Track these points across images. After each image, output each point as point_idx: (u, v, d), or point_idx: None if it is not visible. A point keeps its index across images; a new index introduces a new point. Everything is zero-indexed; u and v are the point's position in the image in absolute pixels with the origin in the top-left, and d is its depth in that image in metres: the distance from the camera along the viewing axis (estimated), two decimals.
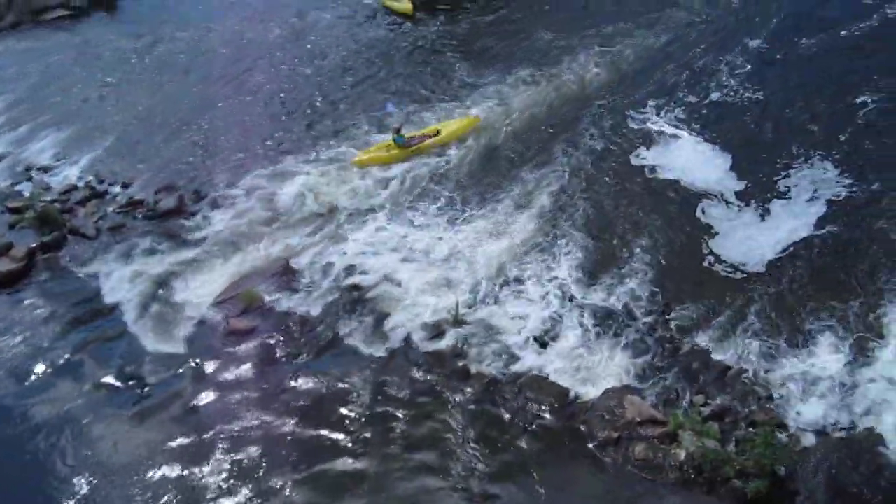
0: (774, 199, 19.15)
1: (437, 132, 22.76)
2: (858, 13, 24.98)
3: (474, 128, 23.01)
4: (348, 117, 24.69)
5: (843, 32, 24.39)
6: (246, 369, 16.80)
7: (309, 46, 29.12)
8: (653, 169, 20.67)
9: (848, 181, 19.13)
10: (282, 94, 26.41)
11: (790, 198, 19.09)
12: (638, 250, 18.33)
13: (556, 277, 17.92)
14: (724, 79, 23.32)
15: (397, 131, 22.24)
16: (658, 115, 22.45)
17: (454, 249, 19.19)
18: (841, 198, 18.76)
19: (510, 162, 21.94)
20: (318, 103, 25.76)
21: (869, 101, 21.35)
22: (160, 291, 18.99)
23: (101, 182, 23.44)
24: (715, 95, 22.71)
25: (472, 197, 20.88)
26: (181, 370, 16.87)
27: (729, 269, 17.60)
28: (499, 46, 27.03)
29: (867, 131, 20.50)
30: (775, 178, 19.69)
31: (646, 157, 21.09)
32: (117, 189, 23.07)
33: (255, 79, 27.55)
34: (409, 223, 20.31)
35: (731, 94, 22.71)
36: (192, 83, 28.23)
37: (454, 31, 28.52)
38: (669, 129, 21.81)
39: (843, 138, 20.40)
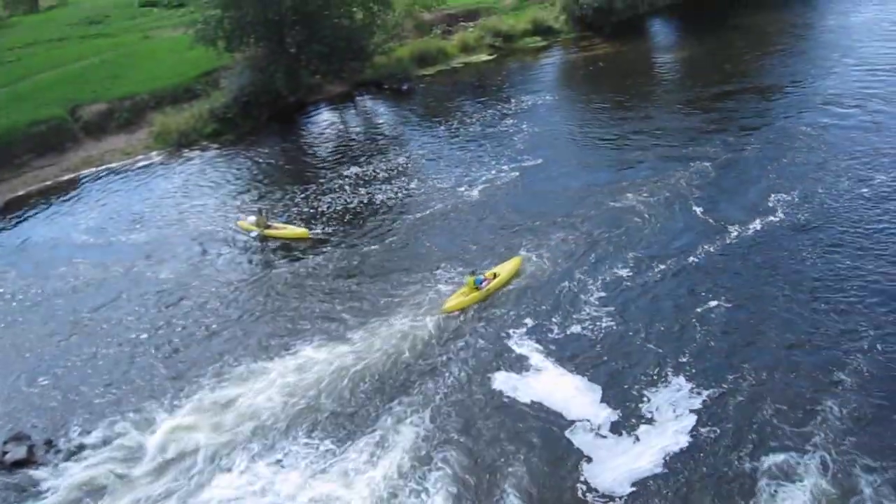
0: (640, 424, 20.09)
1: (495, 275, 26.38)
2: (706, 239, 28.18)
3: (520, 268, 27.07)
4: (211, 358, 24.51)
5: (690, 258, 27.20)
6: None
7: (182, 290, 28.96)
8: (523, 401, 21.34)
9: (699, 393, 20.89)
10: (148, 336, 26.12)
11: (654, 420, 20.14)
12: (509, 488, 18.53)
13: None
14: (585, 309, 24.96)
15: (473, 273, 25.84)
16: (526, 346, 23.54)
17: (322, 494, 18.92)
18: (696, 408, 20.32)
19: (379, 392, 22.22)
20: (183, 345, 25.57)
21: (712, 314, 24.07)
22: None
23: None
24: (576, 328, 24.11)
25: (339, 430, 20.90)
26: None
27: (602, 499, 18.02)
28: (364, 287, 27.90)
29: (708, 345, 22.77)
30: (638, 403, 20.79)
31: (514, 389, 21.83)
32: None
33: (122, 321, 27.23)
34: (277, 463, 19.93)
35: (591, 324, 24.19)
36: (54, 326, 27.58)
37: (325, 267, 29.46)
38: (536, 361, 22.83)
39: (688, 356, 22.33)
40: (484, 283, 25.90)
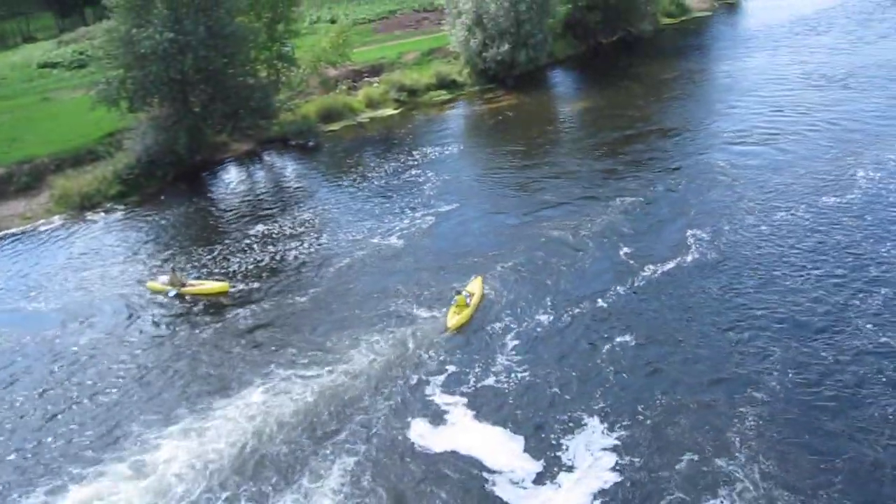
0: (561, 472, 20.70)
1: (471, 294, 28.70)
2: (618, 279, 29.29)
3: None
4: (132, 421, 24.19)
5: (603, 299, 28.37)
6: None
7: (92, 356, 28.23)
8: (444, 453, 21.73)
9: (613, 433, 21.73)
10: (59, 405, 25.47)
11: (574, 467, 20.77)
12: None
13: None
14: (502, 357, 25.69)
15: (459, 292, 28.21)
16: (446, 396, 24.03)
17: None
18: (612, 449, 21.13)
19: (299, 447, 22.39)
20: (98, 413, 25.10)
21: (625, 354, 25.12)
22: None
23: None
24: (493, 378, 24.67)
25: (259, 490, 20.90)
26: None
27: None
28: (291, 338, 28.03)
29: (621, 385, 23.71)
30: (556, 451, 21.37)
31: (434, 441, 22.22)
32: None
33: (30, 391, 26.49)
34: None
35: (507, 373, 24.82)
36: None
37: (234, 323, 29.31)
38: (457, 412, 23.32)
39: (603, 397, 23.21)
40: (469, 299, 28.24)
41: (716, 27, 75.17)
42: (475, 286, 29.32)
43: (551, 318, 27.59)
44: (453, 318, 27.66)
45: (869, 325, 25.51)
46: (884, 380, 23.01)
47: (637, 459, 20.72)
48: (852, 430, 21.22)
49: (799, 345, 24.92)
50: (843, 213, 33.09)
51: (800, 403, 22.38)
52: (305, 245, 35.18)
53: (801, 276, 28.75)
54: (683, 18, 77.09)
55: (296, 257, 34.16)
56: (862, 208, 33.29)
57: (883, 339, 24.76)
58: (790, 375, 23.49)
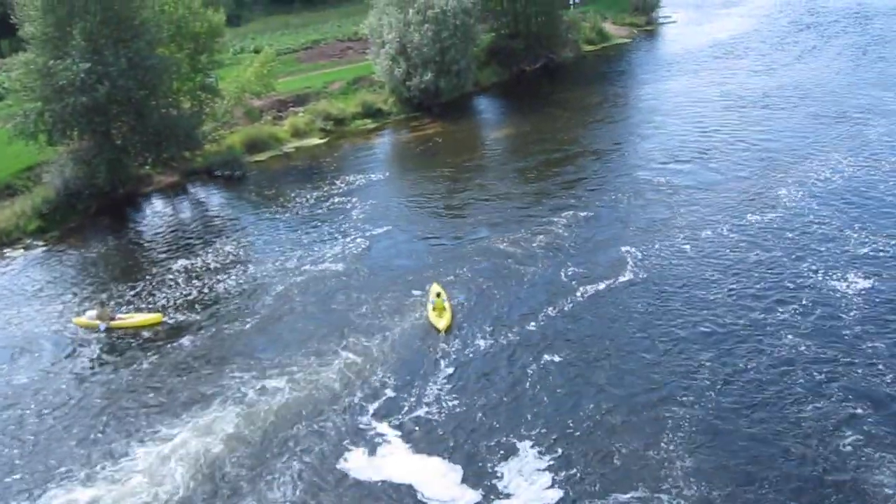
0: (499, 499, 21.16)
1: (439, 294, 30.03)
2: (549, 301, 29.79)
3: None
4: (66, 460, 23.85)
5: (534, 322, 29.17)
6: None
7: (16, 399, 27.78)
8: (379, 484, 21.98)
9: (549, 456, 22.32)
10: None
11: (511, 494, 21.26)
12: None
13: None
14: (435, 384, 26.08)
15: (438, 295, 29.64)
16: (380, 425, 24.30)
17: None
18: (547, 469, 21.78)
19: (231, 479, 22.49)
20: (28, 453, 24.66)
21: (555, 376, 25.94)
22: None
23: None
24: (422, 410, 24.93)
25: None
26: None
27: None
28: (226, 367, 28.03)
29: (553, 407, 24.45)
30: (493, 479, 21.82)
31: (368, 472, 22.45)
32: None
33: None
34: None
35: (439, 403, 25.15)
36: None
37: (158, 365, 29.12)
38: (392, 443, 23.58)
39: (532, 421, 23.82)
40: (445, 301, 29.77)
41: (636, 53, 77.42)
42: (438, 289, 30.48)
43: (483, 341, 28.26)
44: (440, 321, 29.03)
45: (789, 336, 26.91)
46: (803, 386, 24.36)
47: (572, 477, 21.36)
48: (774, 434, 22.44)
49: (722, 356, 26.20)
50: (764, 230, 34.78)
51: (725, 411, 23.53)
52: (237, 275, 35.21)
53: (724, 291, 30.14)
54: (604, 45, 79.04)
55: (229, 287, 34.16)
56: (782, 226, 35.05)
57: (801, 349, 26.15)
58: (715, 385, 24.68)
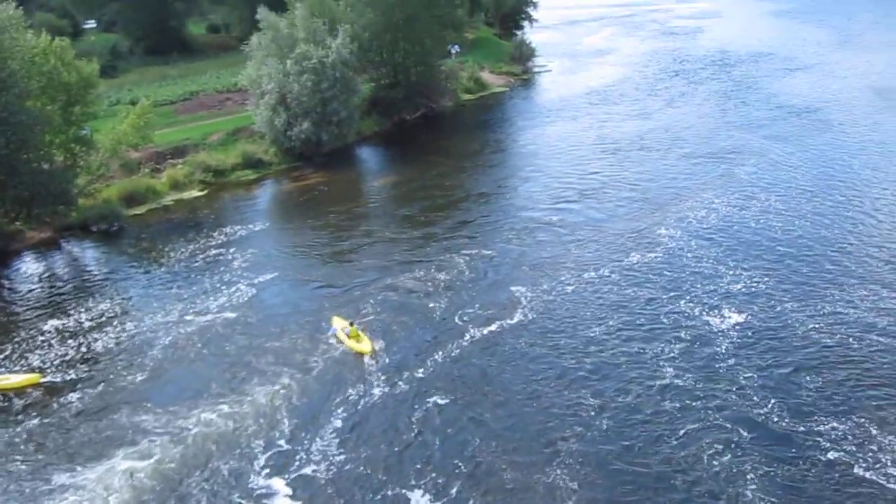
0: None
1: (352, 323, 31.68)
2: (438, 345, 29.73)
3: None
4: None
5: (424, 367, 28.92)
6: None
7: None
8: None
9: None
10: None
11: None
12: None
13: None
14: (321, 439, 26.18)
15: (352, 324, 31.27)
16: (268, 487, 24.30)
17: None
18: None
19: None
20: None
21: (443, 421, 26.08)
22: None
23: None
24: (310, 467, 24.94)
25: None
26: None
27: None
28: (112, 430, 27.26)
29: (438, 452, 25.06)
30: None
31: None
32: None
33: None
34: None
35: (325, 462, 25.09)
36: None
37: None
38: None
39: (423, 469, 24.37)
40: (359, 327, 31.42)
41: (514, 101, 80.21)
42: (342, 322, 32.08)
43: (371, 389, 28.65)
44: (362, 345, 30.63)
45: (668, 369, 28.60)
46: (680, 413, 26.02)
47: None
48: (661, 461, 23.91)
49: (605, 391, 27.58)
50: (644, 268, 36.99)
51: (611, 441, 24.95)
52: (118, 331, 34.67)
53: (606, 328, 31.81)
54: (482, 94, 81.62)
55: (110, 344, 33.61)
56: (661, 263, 37.39)
57: (678, 382, 27.69)
58: (599, 417, 26.05)
